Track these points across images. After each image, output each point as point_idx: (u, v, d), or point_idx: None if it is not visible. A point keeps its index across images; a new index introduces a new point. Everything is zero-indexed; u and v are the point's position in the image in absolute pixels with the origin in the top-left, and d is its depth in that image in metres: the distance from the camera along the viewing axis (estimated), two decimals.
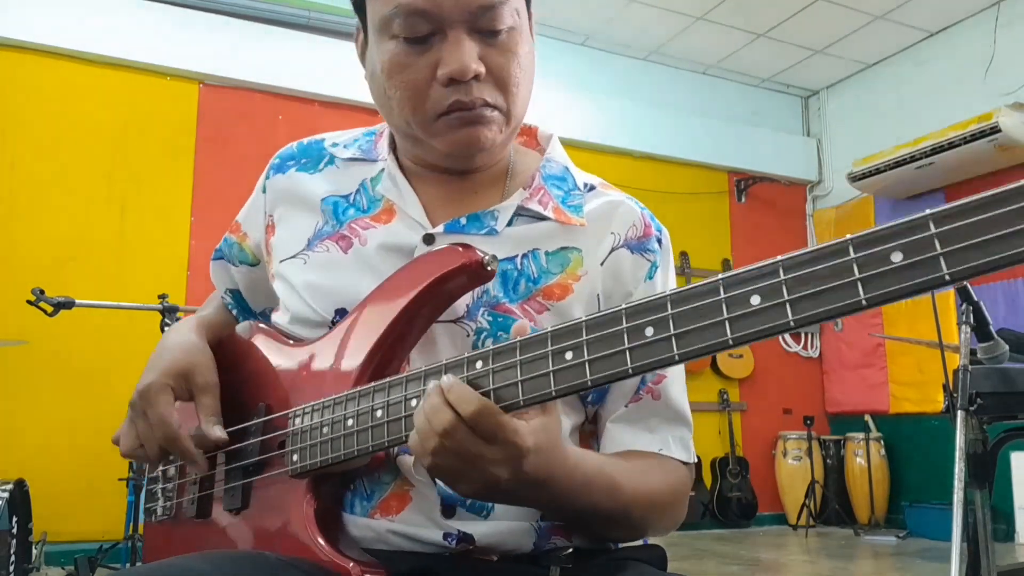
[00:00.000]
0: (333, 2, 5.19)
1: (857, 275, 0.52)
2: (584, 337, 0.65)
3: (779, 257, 0.56)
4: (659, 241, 0.93)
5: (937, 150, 5.33)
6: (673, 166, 6.23)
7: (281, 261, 0.94)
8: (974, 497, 2.10)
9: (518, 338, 0.69)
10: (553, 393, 0.66)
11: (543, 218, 0.88)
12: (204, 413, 0.90)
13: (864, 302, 0.52)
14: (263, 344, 0.95)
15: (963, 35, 5.69)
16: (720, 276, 0.58)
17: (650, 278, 0.91)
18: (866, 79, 6.43)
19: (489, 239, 0.87)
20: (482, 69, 0.82)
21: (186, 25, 4.77)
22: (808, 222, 6.78)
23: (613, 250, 0.90)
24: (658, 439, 0.88)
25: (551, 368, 0.66)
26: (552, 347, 0.67)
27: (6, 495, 2.81)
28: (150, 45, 4.67)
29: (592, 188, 0.94)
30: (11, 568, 2.85)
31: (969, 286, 2.09)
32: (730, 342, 0.57)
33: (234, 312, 1.10)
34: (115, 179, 4.56)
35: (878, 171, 5.72)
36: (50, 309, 2.86)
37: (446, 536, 0.79)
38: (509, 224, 0.88)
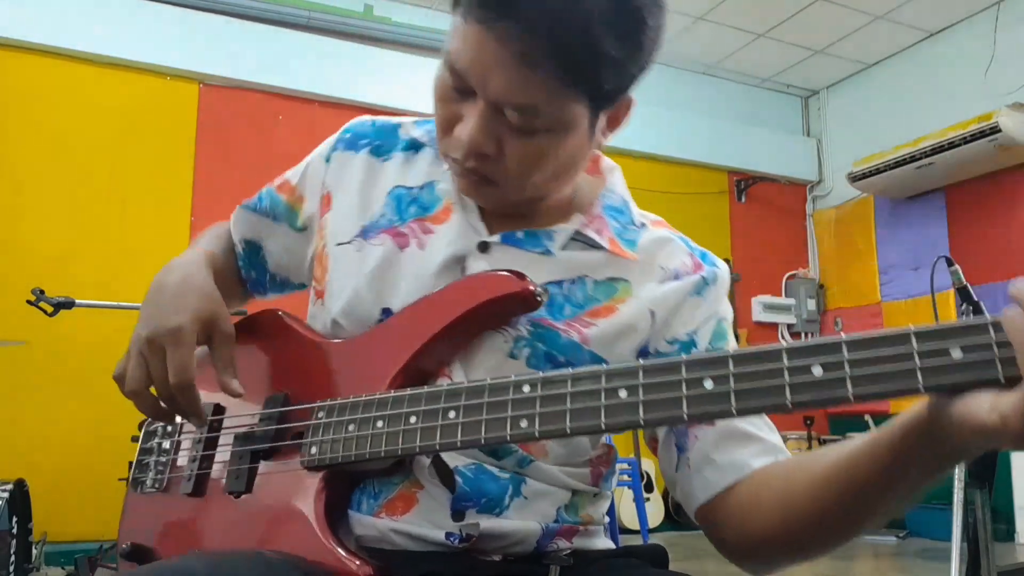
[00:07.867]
0: (333, 2, 5.19)
1: (918, 364, 0.55)
2: (640, 380, 0.65)
3: (842, 336, 0.58)
4: (713, 270, 0.92)
5: (937, 150, 5.32)
6: (673, 166, 6.22)
7: (337, 244, 0.92)
8: (974, 497, 2.09)
9: (570, 369, 0.69)
10: (603, 427, 0.66)
11: (597, 247, 0.87)
12: (223, 363, 0.86)
13: (922, 388, 0.55)
14: (291, 332, 0.94)
15: (963, 35, 5.69)
16: (784, 344, 0.60)
17: (698, 294, 0.89)
18: (866, 79, 6.43)
19: (543, 259, 0.86)
20: (491, 151, 0.78)
21: (186, 25, 4.77)
22: (808, 222, 6.77)
23: (662, 282, 0.89)
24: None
25: (603, 403, 0.66)
26: (605, 384, 0.66)
27: (6, 495, 2.81)
28: (150, 45, 4.67)
29: (644, 225, 0.93)
30: (11, 568, 2.85)
31: (969, 286, 2.09)
32: (789, 406, 0.59)
33: (240, 264, 1.06)
34: (115, 179, 4.56)
35: (878, 171, 5.72)
36: (50, 309, 2.85)
37: (448, 536, 0.79)
38: (563, 248, 0.87)
